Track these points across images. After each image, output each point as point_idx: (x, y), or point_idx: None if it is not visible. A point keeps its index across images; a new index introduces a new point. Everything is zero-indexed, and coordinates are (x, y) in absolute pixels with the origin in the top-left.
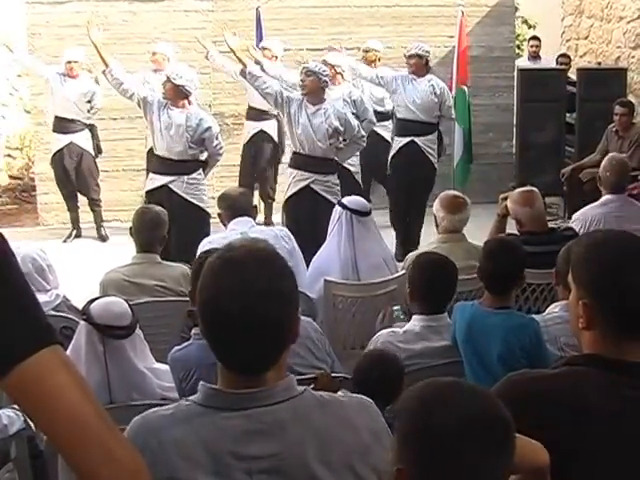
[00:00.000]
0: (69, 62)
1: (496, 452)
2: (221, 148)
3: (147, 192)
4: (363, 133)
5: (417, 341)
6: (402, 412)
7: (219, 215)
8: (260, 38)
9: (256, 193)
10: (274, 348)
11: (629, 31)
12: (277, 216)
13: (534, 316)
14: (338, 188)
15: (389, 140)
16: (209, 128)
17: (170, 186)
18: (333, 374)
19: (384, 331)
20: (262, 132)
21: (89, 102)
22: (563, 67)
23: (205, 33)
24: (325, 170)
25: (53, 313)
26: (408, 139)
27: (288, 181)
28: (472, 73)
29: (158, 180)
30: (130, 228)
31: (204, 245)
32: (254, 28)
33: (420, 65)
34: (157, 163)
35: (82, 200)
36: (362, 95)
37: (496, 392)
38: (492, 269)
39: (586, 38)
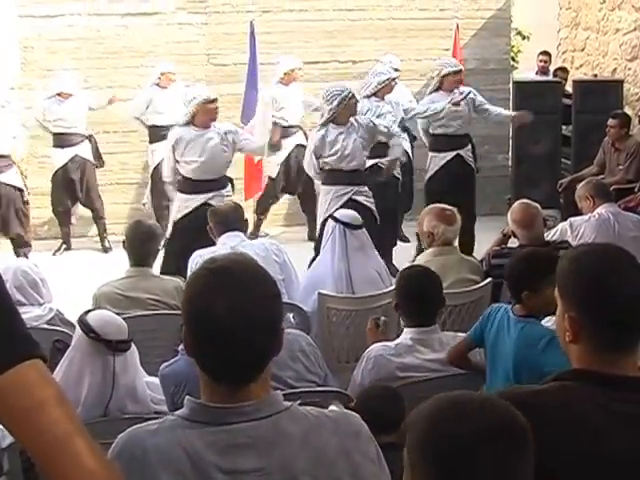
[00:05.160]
0: (59, 94)
1: (514, 461)
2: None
3: (181, 217)
4: (396, 129)
5: (409, 353)
6: (411, 430)
7: (210, 229)
8: (254, 51)
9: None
10: (262, 355)
11: (625, 43)
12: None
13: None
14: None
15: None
16: (235, 131)
17: (211, 202)
18: (325, 389)
19: (376, 344)
20: (301, 146)
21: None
22: (558, 80)
23: (199, 47)
24: (362, 181)
25: (46, 327)
26: (454, 153)
27: (325, 198)
28: (468, 86)
29: (196, 200)
30: (123, 241)
31: (194, 259)
32: (248, 41)
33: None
34: (194, 186)
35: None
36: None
37: None
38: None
39: (582, 50)
